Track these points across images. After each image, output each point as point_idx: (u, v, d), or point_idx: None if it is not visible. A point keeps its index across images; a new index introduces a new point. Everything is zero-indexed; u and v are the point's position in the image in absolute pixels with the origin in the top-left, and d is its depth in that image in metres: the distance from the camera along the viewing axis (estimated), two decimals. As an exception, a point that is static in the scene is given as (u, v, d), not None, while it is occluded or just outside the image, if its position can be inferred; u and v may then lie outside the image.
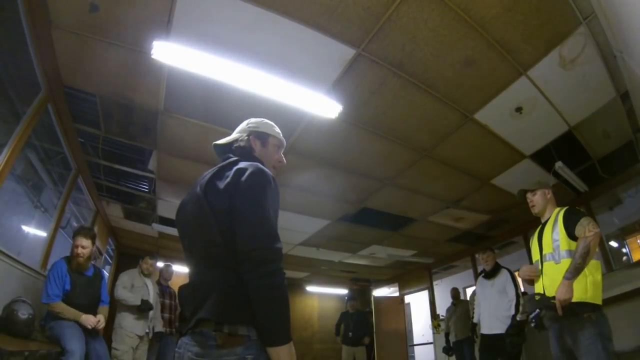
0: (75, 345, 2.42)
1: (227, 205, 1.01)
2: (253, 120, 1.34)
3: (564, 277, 1.92)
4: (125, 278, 3.63)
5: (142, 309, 3.43)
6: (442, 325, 6.14)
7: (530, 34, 2.37)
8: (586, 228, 1.95)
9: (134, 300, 3.43)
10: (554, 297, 1.94)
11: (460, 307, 5.16)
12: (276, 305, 0.92)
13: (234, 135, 1.32)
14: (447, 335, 5.20)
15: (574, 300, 1.92)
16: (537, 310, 2.06)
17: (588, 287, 1.93)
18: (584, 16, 2.24)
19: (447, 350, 5.15)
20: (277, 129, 1.36)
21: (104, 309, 2.92)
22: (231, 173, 1.06)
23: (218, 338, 0.91)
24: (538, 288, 2.19)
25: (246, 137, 1.28)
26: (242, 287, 0.95)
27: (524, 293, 3.81)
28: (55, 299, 2.54)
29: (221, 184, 1.05)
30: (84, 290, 2.74)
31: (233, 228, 0.99)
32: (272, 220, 1.02)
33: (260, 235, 0.96)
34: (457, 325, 5.01)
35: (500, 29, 2.33)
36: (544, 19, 2.27)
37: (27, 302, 2.46)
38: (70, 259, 2.75)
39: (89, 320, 2.63)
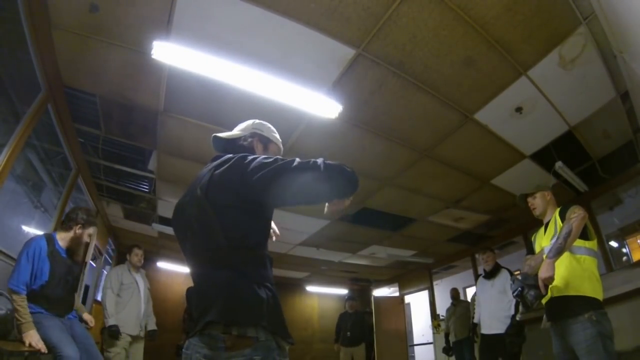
0: (70, 349, 2.16)
1: (233, 194, 1.01)
2: (258, 121, 1.34)
3: (547, 257, 1.95)
4: (113, 278, 3.47)
5: (106, 334, 3.23)
6: (442, 325, 6.13)
7: (530, 34, 2.37)
8: (572, 211, 2.00)
9: (112, 320, 3.26)
10: (536, 276, 1.98)
11: (460, 307, 5.17)
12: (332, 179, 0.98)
13: (236, 132, 1.32)
14: (447, 335, 5.21)
15: (576, 293, 1.95)
16: (519, 288, 2.11)
17: (591, 281, 1.96)
18: (584, 16, 2.24)
19: (447, 350, 5.15)
20: (278, 136, 1.37)
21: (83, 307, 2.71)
22: (230, 163, 1.06)
23: (227, 340, 0.91)
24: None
25: (250, 139, 1.28)
26: (250, 288, 0.96)
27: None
28: (22, 289, 2.11)
29: (223, 177, 1.04)
30: (63, 278, 2.37)
31: (238, 225, 1.00)
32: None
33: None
34: (457, 326, 5.01)
35: (500, 29, 2.33)
36: (544, 19, 2.27)
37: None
38: (71, 243, 2.45)
39: (32, 339, 2.07)
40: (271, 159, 1.01)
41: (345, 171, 1.00)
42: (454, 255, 7.05)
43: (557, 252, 1.92)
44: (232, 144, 1.28)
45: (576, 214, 1.96)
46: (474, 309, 4.07)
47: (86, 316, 2.68)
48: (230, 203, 1.01)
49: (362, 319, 6.14)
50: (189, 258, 1.11)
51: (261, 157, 1.03)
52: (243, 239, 1.01)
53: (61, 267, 2.36)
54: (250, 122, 1.35)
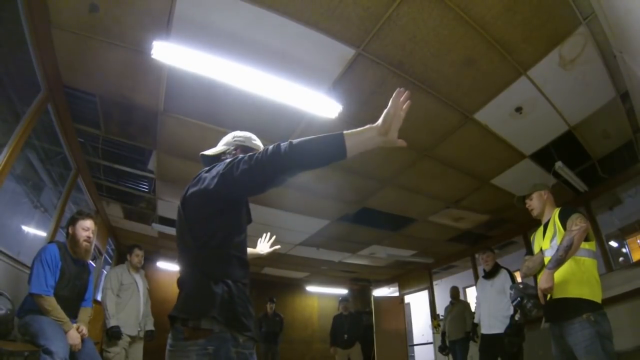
0: (58, 346, 2.06)
1: (200, 196, 1.11)
2: (239, 133, 1.41)
3: (546, 267, 1.96)
4: (113, 278, 3.46)
5: (109, 335, 3.22)
6: (442, 324, 6.09)
7: (530, 34, 2.37)
8: (574, 222, 1.98)
9: (113, 321, 3.24)
10: (536, 285, 2.00)
11: (457, 307, 5.12)
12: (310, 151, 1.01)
13: (220, 147, 1.39)
14: (443, 334, 5.17)
15: (574, 296, 1.94)
16: (519, 298, 2.09)
17: (591, 284, 1.96)
18: (584, 16, 2.24)
19: (443, 349, 5.13)
20: (259, 142, 1.44)
21: (85, 311, 2.56)
22: (204, 172, 1.17)
23: (185, 332, 1.01)
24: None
25: (233, 151, 1.35)
26: (203, 283, 1.06)
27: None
28: (50, 291, 2.20)
29: (196, 184, 1.15)
30: (72, 281, 2.40)
31: (204, 226, 1.11)
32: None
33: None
34: (451, 326, 4.98)
35: (500, 29, 2.33)
36: (544, 19, 2.27)
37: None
38: (72, 245, 2.46)
39: (73, 338, 2.22)
40: (232, 161, 1.09)
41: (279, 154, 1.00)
42: (453, 255, 7.05)
43: (557, 263, 1.92)
44: (217, 159, 1.34)
45: (578, 227, 1.94)
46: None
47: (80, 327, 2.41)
48: (197, 206, 1.12)
49: (359, 320, 6.11)
50: None
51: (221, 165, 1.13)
52: (208, 239, 1.10)
53: (71, 269, 2.42)
54: (230, 135, 1.42)
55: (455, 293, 5.36)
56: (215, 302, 1.03)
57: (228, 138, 1.40)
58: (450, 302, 5.29)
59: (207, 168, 1.17)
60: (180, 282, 1.13)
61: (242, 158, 1.05)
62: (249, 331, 1.08)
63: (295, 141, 1.00)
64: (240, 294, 1.09)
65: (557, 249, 1.95)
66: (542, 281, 1.92)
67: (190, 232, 1.11)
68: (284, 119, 3.04)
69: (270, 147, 1.02)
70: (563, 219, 2.08)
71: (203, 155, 1.37)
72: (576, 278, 1.97)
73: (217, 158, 1.34)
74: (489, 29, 2.33)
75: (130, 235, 6.19)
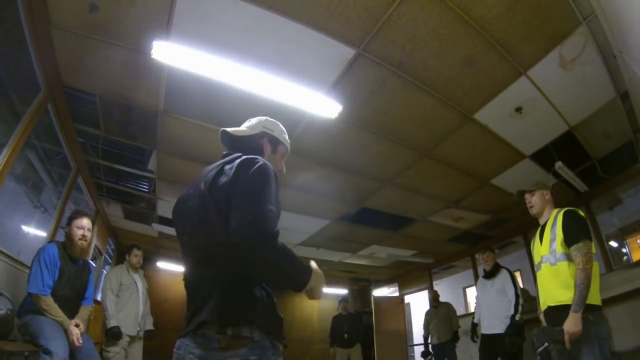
0: (58, 345, 2.07)
1: (227, 195, 0.99)
2: (270, 120, 1.31)
3: (572, 310, 1.85)
4: (113, 278, 3.46)
5: (108, 335, 3.22)
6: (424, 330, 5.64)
7: (530, 34, 2.37)
8: (581, 260, 1.90)
9: (113, 321, 3.25)
10: (561, 330, 1.88)
11: (442, 309, 5.16)
12: (287, 268, 0.96)
13: (245, 129, 1.28)
14: (425, 339, 5.16)
15: (571, 302, 1.93)
16: (545, 344, 1.98)
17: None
18: (584, 16, 2.24)
19: (426, 355, 5.11)
20: (287, 137, 1.35)
21: (85, 309, 2.56)
22: (233, 166, 1.04)
23: (221, 340, 0.89)
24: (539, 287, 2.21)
25: (259, 140, 1.26)
26: (244, 286, 0.95)
27: (524, 290, 3.83)
28: (48, 291, 2.22)
29: (223, 180, 1.02)
30: (72, 280, 2.42)
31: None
32: (271, 208, 0.98)
33: (252, 224, 0.92)
34: (439, 328, 4.99)
35: (500, 29, 2.33)
36: (544, 19, 2.27)
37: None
38: (68, 244, 2.46)
39: (74, 333, 2.25)
40: (255, 191, 0.98)
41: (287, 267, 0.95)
42: (454, 255, 7.05)
43: (583, 303, 1.84)
44: (240, 142, 1.24)
45: (589, 266, 1.88)
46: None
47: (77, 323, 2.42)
48: (227, 202, 0.99)
49: (358, 320, 6.12)
50: (185, 252, 1.09)
51: (253, 180, 1.00)
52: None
53: (70, 269, 2.43)
54: (261, 119, 1.30)
55: (435, 296, 5.40)
56: (258, 307, 0.95)
57: (256, 121, 1.28)
58: (433, 306, 5.30)
59: (245, 159, 1.05)
60: (207, 282, 0.98)
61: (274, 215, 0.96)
62: (284, 339, 1.02)
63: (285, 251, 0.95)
64: (273, 299, 1.03)
65: (578, 288, 1.87)
66: (571, 325, 1.83)
67: (221, 224, 0.96)
68: (284, 119, 3.01)
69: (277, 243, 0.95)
70: (569, 230, 2.02)
71: (224, 131, 1.25)
72: (574, 284, 1.96)
73: (240, 140, 1.24)
74: (489, 29, 2.33)
75: (130, 235, 6.18)
